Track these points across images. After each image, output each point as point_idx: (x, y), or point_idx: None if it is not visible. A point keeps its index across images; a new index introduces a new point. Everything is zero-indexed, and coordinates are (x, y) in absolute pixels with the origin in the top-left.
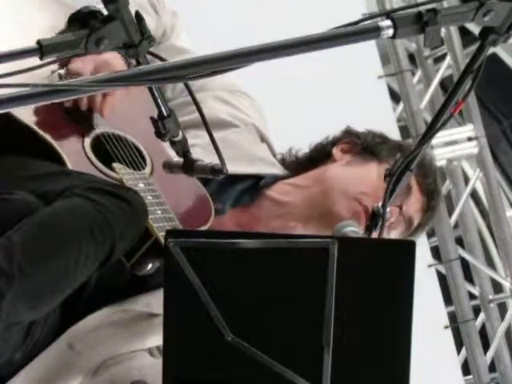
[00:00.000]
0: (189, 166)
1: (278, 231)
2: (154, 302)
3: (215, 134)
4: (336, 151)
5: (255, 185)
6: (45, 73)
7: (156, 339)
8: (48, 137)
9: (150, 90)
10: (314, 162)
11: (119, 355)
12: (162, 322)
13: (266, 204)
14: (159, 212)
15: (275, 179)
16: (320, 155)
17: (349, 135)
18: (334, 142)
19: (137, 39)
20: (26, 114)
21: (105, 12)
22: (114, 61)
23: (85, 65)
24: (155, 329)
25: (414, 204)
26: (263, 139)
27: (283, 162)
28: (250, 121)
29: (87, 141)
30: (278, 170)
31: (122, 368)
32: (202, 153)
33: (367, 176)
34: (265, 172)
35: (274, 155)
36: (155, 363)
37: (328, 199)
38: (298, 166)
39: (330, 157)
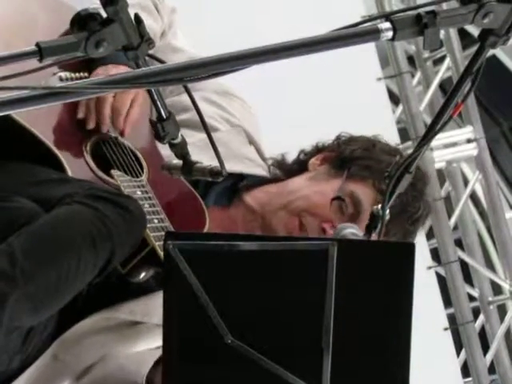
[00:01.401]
0: (188, 168)
1: None
2: (138, 309)
3: (202, 135)
4: (314, 160)
5: (235, 185)
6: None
7: (140, 346)
8: (48, 142)
9: (149, 92)
10: (297, 169)
11: (101, 357)
12: (146, 329)
13: (242, 209)
14: (156, 221)
15: (258, 183)
16: (302, 163)
17: (335, 144)
18: (320, 149)
19: (136, 42)
20: (27, 119)
21: (104, 14)
22: None
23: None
24: (139, 336)
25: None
26: (251, 142)
27: (276, 165)
28: (237, 123)
29: (87, 146)
30: (265, 172)
31: (101, 367)
32: (194, 150)
33: (321, 193)
34: (251, 172)
35: (263, 157)
36: (132, 355)
37: (273, 211)
38: (283, 171)
39: (307, 166)
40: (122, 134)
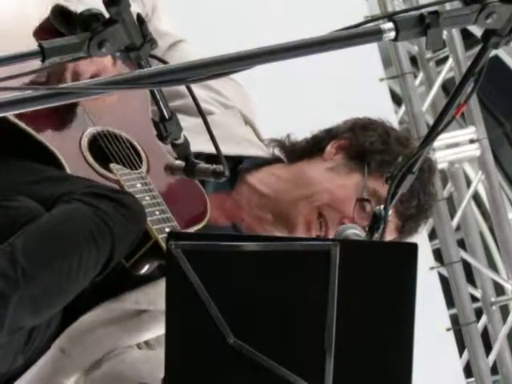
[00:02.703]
0: (190, 168)
1: (258, 221)
2: (142, 298)
3: (196, 120)
4: (330, 148)
5: (234, 168)
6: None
7: (147, 334)
8: (45, 141)
9: (152, 92)
10: (308, 152)
11: (111, 351)
12: (152, 317)
13: (247, 191)
14: (157, 213)
15: (259, 164)
16: (315, 147)
17: (351, 130)
18: (335, 135)
19: (138, 42)
20: (21, 118)
21: (106, 15)
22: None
23: (88, 67)
24: (145, 325)
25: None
26: (247, 122)
27: (280, 146)
28: (231, 105)
29: (84, 141)
30: (264, 152)
31: (113, 363)
32: (188, 135)
33: (344, 188)
34: (250, 153)
35: (260, 138)
36: (144, 355)
37: (292, 201)
38: (292, 153)
39: (322, 152)
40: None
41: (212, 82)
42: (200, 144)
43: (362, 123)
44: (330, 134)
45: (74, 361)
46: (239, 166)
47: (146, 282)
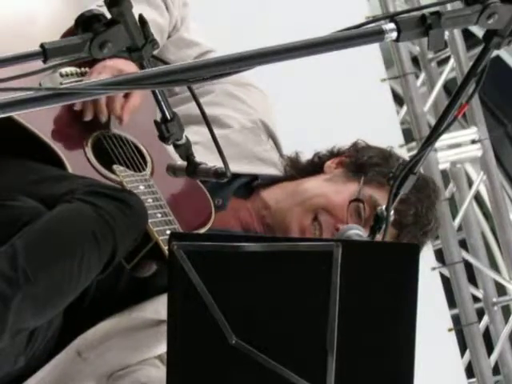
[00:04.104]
0: (192, 169)
1: (264, 231)
2: (162, 308)
3: (216, 132)
4: (330, 163)
5: (251, 182)
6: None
7: (163, 347)
8: (47, 139)
9: (154, 93)
10: (310, 170)
11: (129, 365)
12: None
13: (258, 203)
14: (159, 215)
15: (273, 180)
16: (316, 165)
17: (351, 149)
18: (336, 153)
19: (140, 43)
20: (25, 116)
21: (108, 15)
22: (127, 67)
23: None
24: (163, 335)
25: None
26: (270, 135)
27: (289, 163)
28: (256, 116)
29: (88, 142)
30: (277, 170)
31: (132, 379)
32: (204, 151)
33: (339, 193)
34: (263, 172)
35: (280, 151)
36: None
37: (287, 208)
38: (297, 171)
39: (323, 169)
40: (120, 120)
41: (237, 91)
42: (216, 161)
43: (364, 143)
44: (331, 153)
45: (91, 365)
46: (255, 182)
47: (162, 292)
